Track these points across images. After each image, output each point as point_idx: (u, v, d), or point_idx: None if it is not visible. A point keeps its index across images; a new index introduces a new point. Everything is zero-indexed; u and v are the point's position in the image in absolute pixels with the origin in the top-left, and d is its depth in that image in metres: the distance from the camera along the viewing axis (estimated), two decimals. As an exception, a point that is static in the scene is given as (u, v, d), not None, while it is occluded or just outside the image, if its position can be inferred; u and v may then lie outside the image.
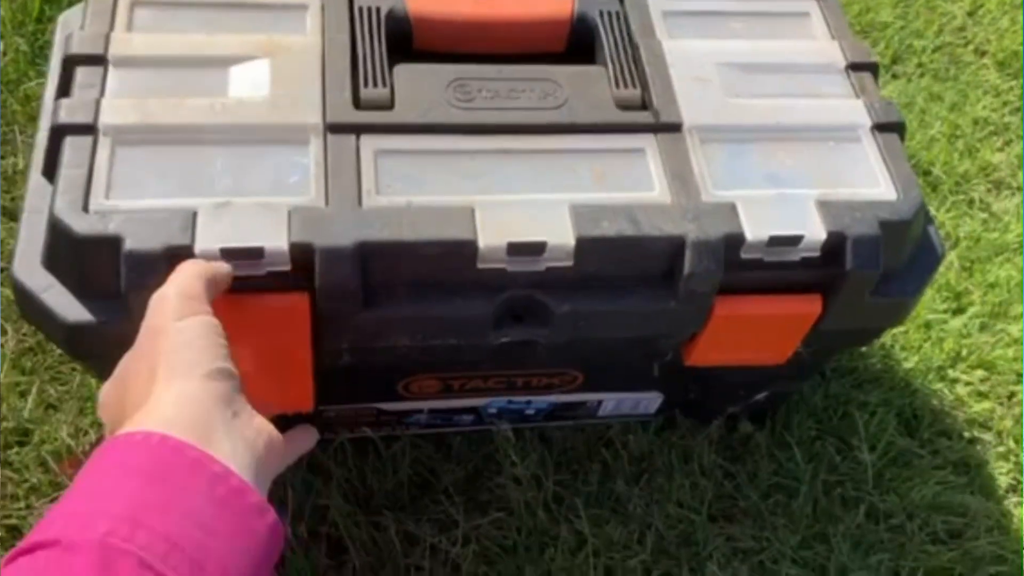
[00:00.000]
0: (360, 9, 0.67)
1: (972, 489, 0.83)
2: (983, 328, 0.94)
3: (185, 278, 0.50)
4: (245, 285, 0.55)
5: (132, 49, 0.62)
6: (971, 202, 1.06)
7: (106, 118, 0.58)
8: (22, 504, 0.72)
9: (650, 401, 0.81)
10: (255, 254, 0.54)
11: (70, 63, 0.61)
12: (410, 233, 0.56)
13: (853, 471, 0.82)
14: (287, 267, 0.55)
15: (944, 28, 1.24)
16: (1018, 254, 1.01)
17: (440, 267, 0.58)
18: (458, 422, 0.80)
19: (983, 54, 1.23)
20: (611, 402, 0.80)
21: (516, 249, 0.57)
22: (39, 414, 0.76)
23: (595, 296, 0.61)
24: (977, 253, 1.00)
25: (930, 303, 0.94)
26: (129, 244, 0.53)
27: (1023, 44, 1.22)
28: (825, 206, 0.61)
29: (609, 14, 0.70)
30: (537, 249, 0.58)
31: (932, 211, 1.04)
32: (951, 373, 0.91)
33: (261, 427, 0.45)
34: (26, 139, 0.89)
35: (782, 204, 0.62)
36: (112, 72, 0.61)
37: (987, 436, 0.87)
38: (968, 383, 0.90)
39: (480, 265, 0.58)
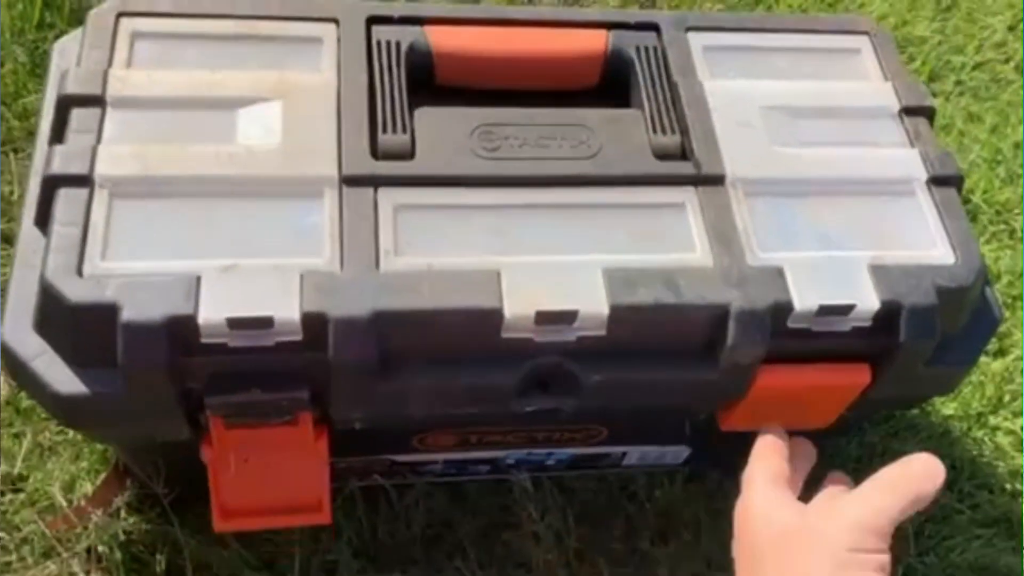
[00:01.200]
0: (379, 43, 0.62)
1: (1016, 548, 0.79)
2: (1026, 372, 0.90)
3: None
4: (252, 355, 0.51)
5: (132, 89, 0.57)
6: (1012, 233, 1.01)
7: (103, 168, 0.53)
8: (13, 557, 0.68)
9: (677, 452, 0.77)
10: (264, 324, 0.50)
11: (64, 104, 0.56)
12: (431, 301, 0.52)
13: (890, 529, 0.78)
14: (299, 337, 0.51)
15: (984, 43, 1.19)
16: (1062, 290, 0.96)
17: (463, 336, 0.53)
18: (474, 472, 0.76)
19: (1025, 71, 1.18)
20: (636, 453, 0.76)
21: (545, 318, 0.53)
22: (34, 461, 0.72)
23: (629, 366, 0.56)
24: (1019, 289, 0.95)
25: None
26: (127, 314, 0.49)
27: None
28: (878, 271, 0.57)
29: (646, 50, 0.65)
30: (568, 318, 0.53)
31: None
32: (992, 420, 0.86)
33: None
34: (20, 160, 0.85)
35: (833, 269, 0.57)
36: (110, 114, 0.56)
37: (1030, 490, 0.83)
38: (1010, 431, 0.86)
39: (505, 334, 0.53)
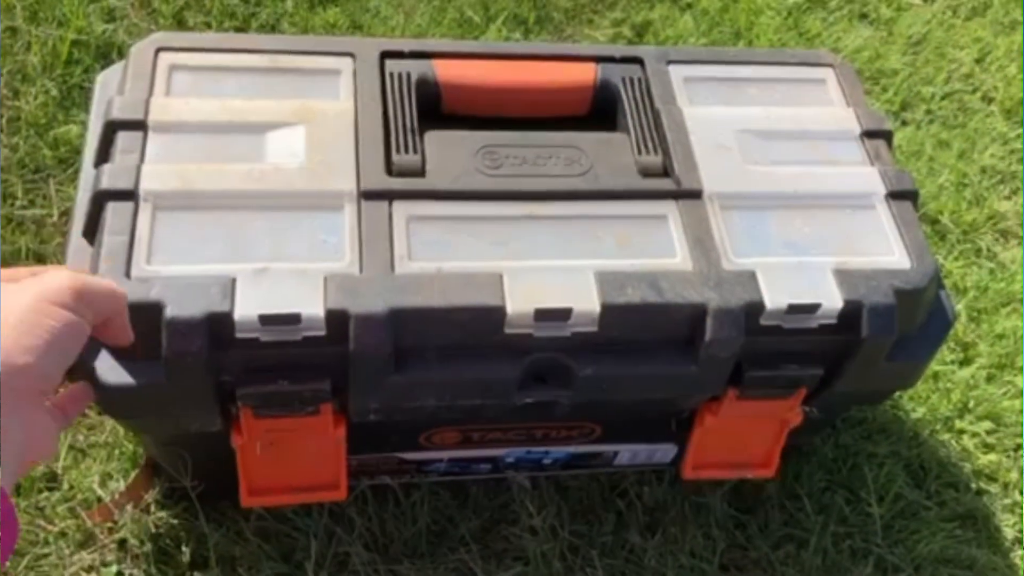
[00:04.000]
0: (391, 75, 0.69)
1: (979, 542, 0.85)
2: (990, 379, 0.96)
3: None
4: (281, 349, 0.57)
5: (171, 115, 0.64)
6: (979, 251, 1.08)
7: (147, 184, 0.60)
8: (51, 549, 0.74)
9: (665, 451, 0.82)
10: (292, 320, 0.56)
11: (110, 128, 0.63)
12: (441, 300, 0.58)
13: (862, 523, 0.84)
14: (322, 332, 0.57)
15: (953, 75, 1.27)
16: (1024, 304, 1.03)
17: (469, 332, 0.60)
18: (476, 470, 0.82)
19: (990, 101, 1.26)
20: (627, 453, 0.82)
21: (543, 315, 0.59)
22: (69, 461, 0.77)
23: (618, 360, 0.62)
24: (984, 303, 1.02)
25: (938, 354, 0.96)
26: (171, 311, 0.55)
27: (1027, 93, 1.25)
28: (842, 275, 0.63)
29: (631, 80, 0.72)
30: (563, 315, 0.60)
31: (940, 260, 1.06)
32: (958, 424, 0.92)
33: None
34: (57, 186, 0.91)
35: (800, 272, 0.63)
36: (152, 137, 0.63)
37: (993, 488, 0.89)
38: (975, 434, 0.92)
39: (508, 330, 0.60)
